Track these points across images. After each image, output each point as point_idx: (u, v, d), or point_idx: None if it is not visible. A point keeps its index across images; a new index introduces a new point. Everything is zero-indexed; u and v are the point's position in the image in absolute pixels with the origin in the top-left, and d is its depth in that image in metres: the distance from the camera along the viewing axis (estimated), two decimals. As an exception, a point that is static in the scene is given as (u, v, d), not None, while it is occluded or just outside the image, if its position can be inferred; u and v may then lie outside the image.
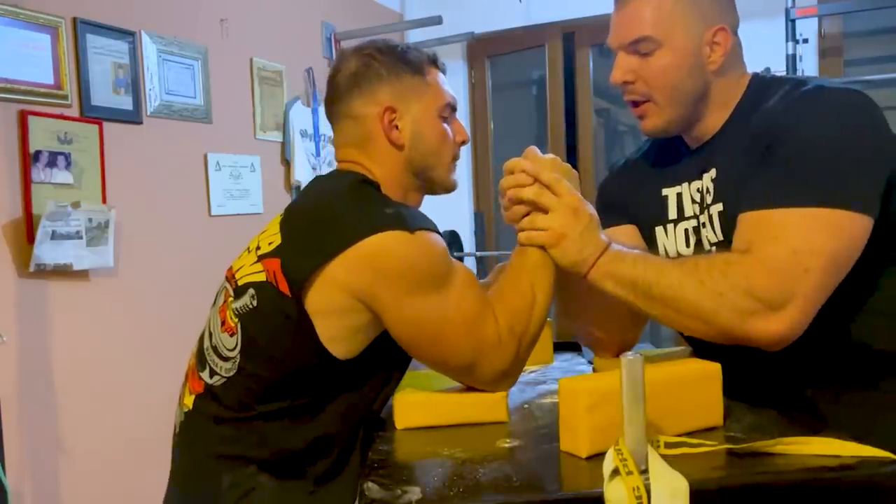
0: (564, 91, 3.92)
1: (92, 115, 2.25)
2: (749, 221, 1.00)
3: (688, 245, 1.18)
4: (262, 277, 1.07)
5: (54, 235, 2.07)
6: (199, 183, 2.70)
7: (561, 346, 1.61)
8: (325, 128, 3.00)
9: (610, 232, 1.09)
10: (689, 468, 0.76)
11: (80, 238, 2.14)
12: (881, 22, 3.34)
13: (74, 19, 2.22)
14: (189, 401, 1.16)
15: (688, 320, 1.01)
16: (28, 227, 2.05)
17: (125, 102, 2.39)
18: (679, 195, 1.20)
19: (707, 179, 1.13)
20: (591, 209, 1.08)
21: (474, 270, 3.68)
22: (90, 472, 2.22)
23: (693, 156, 1.19)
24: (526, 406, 1.16)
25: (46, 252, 2.06)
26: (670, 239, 1.21)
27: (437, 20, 3.35)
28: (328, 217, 1.07)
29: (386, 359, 1.11)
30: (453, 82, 4.28)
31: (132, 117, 2.41)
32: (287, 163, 3.16)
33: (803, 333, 0.97)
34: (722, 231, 1.10)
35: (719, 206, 1.10)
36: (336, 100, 1.20)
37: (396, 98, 1.16)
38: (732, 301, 0.95)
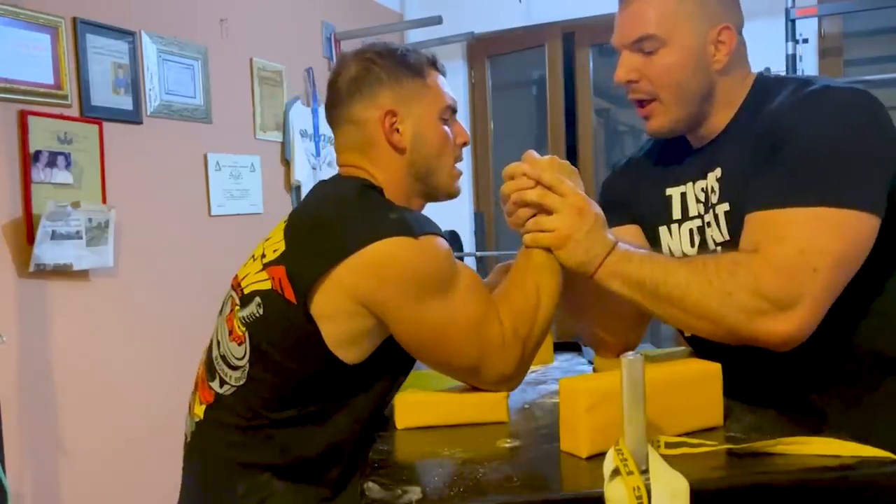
0: (564, 91, 3.92)
1: (92, 115, 2.25)
2: (756, 222, 1.00)
3: (692, 245, 1.18)
4: (267, 286, 1.07)
5: (54, 235, 2.07)
6: (199, 183, 2.70)
7: (561, 346, 1.61)
8: (325, 128, 3.00)
9: (613, 232, 1.08)
10: (689, 468, 0.76)
11: (80, 238, 2.14)
12: (881, 22, 3.34)
13: (74, 19, 2.22)
14: (199, 410, 1.16)
15: (695, 320, 1.00)
16: (28, 227, 2.05)
17: (125, 102, 2.39)
18: (683, 195, 1.19)
19: (712, 179, 1.13)
20: (597, 208, 1.07)
21: (474, 270, 3.68)
22: (90, 472, 2.22)
23: (697, 155, 1.18)
24: (526, 406, 1.16)
25: (46, 252, 2.06)
26: (674, 239, 1.21)
27: (437, 20, 3.35)
28: (332, 223, 1.07)
29: (394, 362, 1.11)
30: (453, 82, 4.29)
31: (132, 117, 2.41)
32: (287, 163, 3.16)
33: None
34: (728, 231, 1.09)
35: (725, 206, 1.10)
36: (337, 105, 1.20)
37: (397, 101, 1.16)
38: (740, 301, 0.95)
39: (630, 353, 0.76)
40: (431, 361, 1.10)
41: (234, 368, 1.10)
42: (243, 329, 1.09)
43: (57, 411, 2.14)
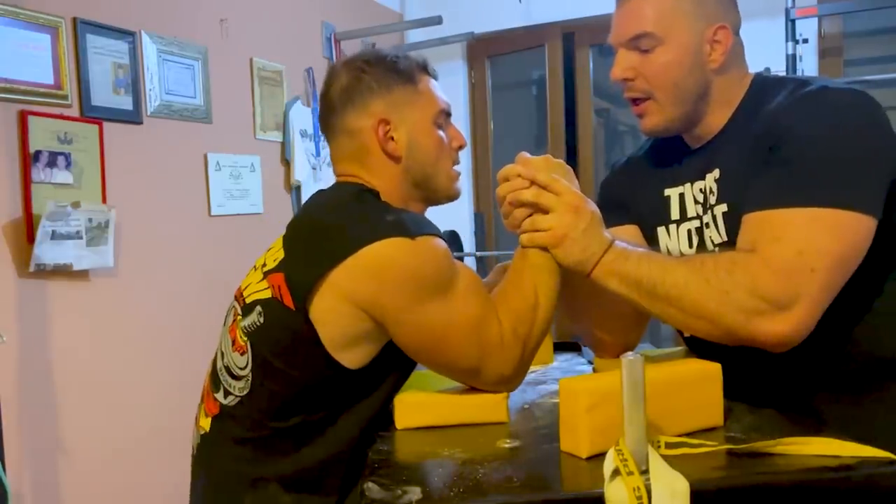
0: (564, 91, 3.92)
1: (92, 115, 2.25)
2: (753, 222, 1.00)
3: (691, 246, 1.18)
4: (267, 294, 1.07)
5: (54, 235, 2.07)
6: (199, 183, 2.70)
7: (561, 346, 1.61)
8: (325, 128, 3.00)
9: (612, 232, 1.08)
10: (689, 468, 0.76)
11: (80, 238, 2.14)
12: (881, 22, 3.34)
13: (74, 19, 2.22)
14: (206, 423, 1.16)
15: (692, 320, 1.00)
16: (28, 227, 2.05)
17: (125, 102, 2.39)
18: (682, 195, 1.19)
19: (710, 180, 1.13)
20: (593, 206, 1.07)
21: (474, 271, 3.67)
22: (90, 472, 2.22)
23: (695, 156, 1.18)
24: (526, 406, 1.16)
25: (46, 252, 2.06)
26: (673, 240, 1.21)
27: (437, 20, 3.35)
28: (328, 227, 1.07)
29: (395, 365, 1.11)
30: (453, 82, 4.26)
31: (132, 117, 2.41)
32: (287, 163, 3.16)
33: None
34: (726, 232, 1.09)
35: (723, 207, 1.10)
36: (330, 115, 1.20)
37: (389, 109, 1.16)
38: (738, 300, 0.95)
39: (630, 353, 0.76)
40: (431, 363, 1.09)
41: (238, 378, 1.10)
42: (245, 339, 1.09)
43: (57, 411, 2.14)
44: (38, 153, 2.08)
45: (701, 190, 1.16)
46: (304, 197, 3.19)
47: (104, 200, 2.26)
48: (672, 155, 1.23)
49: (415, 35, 3.86)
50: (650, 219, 1.24)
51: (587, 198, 1.08)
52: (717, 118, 1.15)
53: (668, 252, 1.21)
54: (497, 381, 1.08)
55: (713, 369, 0.97)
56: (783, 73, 2.98)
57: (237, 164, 2.86)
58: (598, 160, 3.96)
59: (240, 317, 1.12)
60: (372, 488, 0.82)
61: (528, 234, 1.08)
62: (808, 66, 3.19)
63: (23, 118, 2.05)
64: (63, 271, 2.13)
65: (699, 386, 0.96)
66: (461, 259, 3.76)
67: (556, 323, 1.31)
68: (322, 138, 3.31)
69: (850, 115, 1.00)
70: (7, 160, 2.03)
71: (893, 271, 1.05)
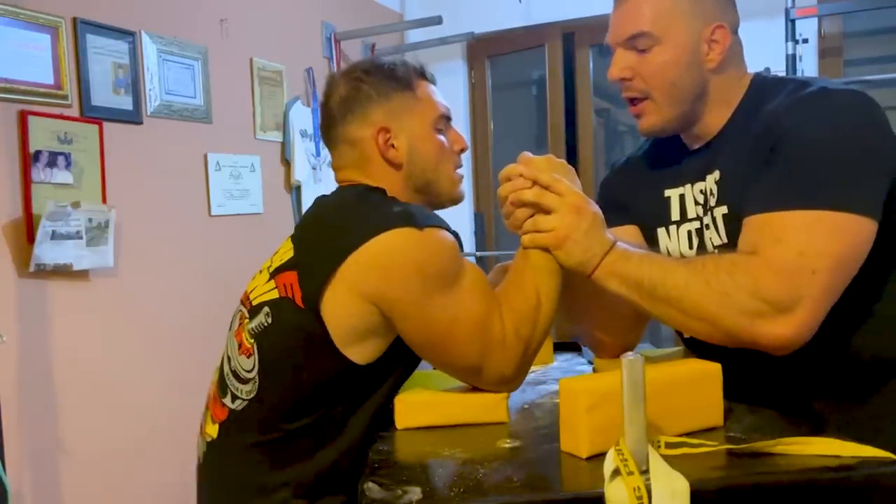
0: (564, 91, 3.92)
1: (92, 115, 2.25)
2: (754, 224, 1.00)
3: (691, 247, 1.18)
4: (275, 294, 1.08)
5: (54, 235, 2.07)
6: (199, 183, 2.70)
7: (561, 346, 1.61)
8: (325, 128, 3.00)
9: (612, 232, 1.08)
10: (689, 468, 0.76)
11: (80, 238, 2.14)
12: (881, 22, 3.33)
13: (74, 19, 2.22)
14: (212, 430, 1.15)
15: (693, 322, 1.00)
16: (28, 227, 2.05)
17: (125, 102, 2.39)
18: (682, 196, 1.19)
19: (710, 181, 1.13)
20: (595, 207, 1.07)
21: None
22: (90, 472, 2.22)
23: (695, 156, 1.18)
24: (526, 406, 1.16)
25: (46, 252, 2.05)
26: (673, 241, 1.21)
27: (437, 20, 3.34)
28: (337, 222, 1.08)
29: (402, 360, 1.11)
30: (453, 82, 4.25)
31: (132, 117, 2.41)
32: (287, 163, 3.16)
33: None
34: (727, 233, 1.09)
35: (723, 209, 1.10)
36: (330, 126, 1.21)
37: (389, 117, 1.17)
38: (739, 302, 0.95)
39: (630, 353, 0.76)
40: (433, 358, 1.10)
41: (245, 382, 1.10)
42: (251, 341, 1.09)
43: (57, 411, 2.14)
44: (38, 153, 2.08)
45: (701, 191, 1.15)
46: (305, 197, 3.19)
47: (104, 200, 2.26)
48: (672, 155, 1.23)
49: (415, 35, 3.86)
50: (650, 219, 1.24)
51: (589, 199, 1.07)
52: (715, 118, 1.14)
53: (669, 253, 1.21)
54: (498, 381, 1.08)
55: (713, 369, 0.97)
56: (783, 73, 2.98)
57: (237, 164, 2.86)
58: (598, 160, 3.95)
59: (246, 320, 1.12)
60: (372, 488, 0.82)
61: (529, 235, 1.08)
62: (808, 66, 3.19)
63: (23, 118, 2.05)
64: (63, 271, 2.13)
65: (699, 386, 0.96)
66: (461, 259, 3.75)
67: (556, 323, 1.31)
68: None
69: (849, 117, 0.99)
70: (7, 160, 2.03)
71: (894, 273, 1.05)
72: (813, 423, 0.95)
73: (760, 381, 1.07)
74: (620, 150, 4.37)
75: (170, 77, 2.56)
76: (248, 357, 1.10)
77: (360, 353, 1.05)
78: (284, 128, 3.14)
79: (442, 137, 1.21)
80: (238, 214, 2.86)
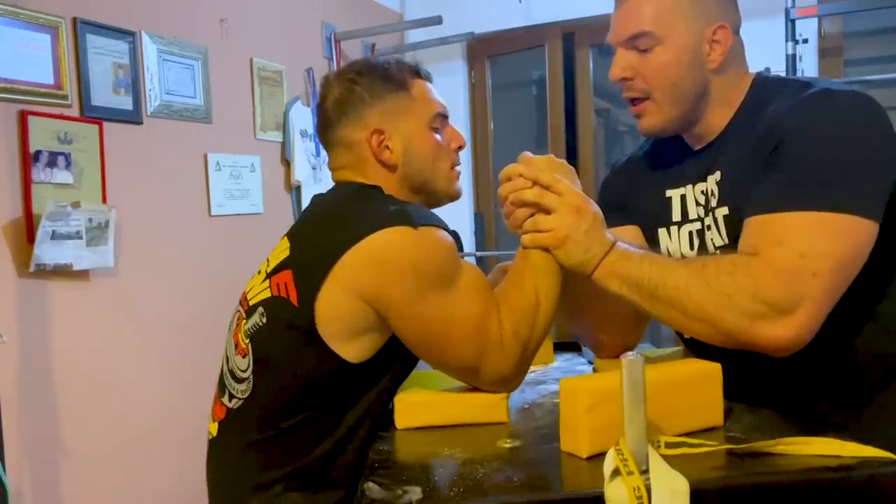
0: (564, 91, 3.92)
1: (92, 115, 2.25)
2: (755, 225, 0.99)
3: (692, 248, 1.18)
4: (268, 294, 1.08)
5: (54, 235, 2.07)
6: (199, 183, 2.70)
7: (561, 346, 1.61)
8: (325, 128, 2.99)
9: (613, 232, 1.08)
10: (689, 468, 0.76)
11: (80, 238, 2.14)
12: (881, 22, 3.33)
13: (74, 19, 2.22)
14: (213, 428, 1.17)
15: (693, 323, 0.99)
16: (28, 227, 2.05)
17: (125, 102, 2.39)
18: (683, 197, 1.19)
19: (712, 182, 1.13)
20: (595, 207, 1.07)
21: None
22: (90, 471, 2.22)
23: (697, 157, 1.18)
24: (526, 406, 1.16)
25: (46, 252, 2.05)
26: (674, 241, 1.20)
27: (437, 20, 3.34)
28: (332, 221, 1.08)
29: (398, 358, 1.11)
30: (453, 82, 4.25)
31: (132, 117, 2.40)
32: (287, 163, 3.16)
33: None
34: (727, 234, 1.09)
35: (724, 210, 1.10)
36: (326, 128, 1.21)
37: (383, 119, 1.16)
38: (739, 304, 0.94)
39: (630, 353, 0.76)
40: (430, 358, 1.10)
41: (241, 381, 1.11)
42: (247, 341, 1.10)
43: (57, 411, 2.14)
44: (38, 153, 2.08)
45: (702, 192, 1.15)
46: (305, 197, 3.19)
47: (104, 200, 2.26)
48: (673, 155, 1.22)
49: (415, 35, 3.86)
50: (651, 220, 1.24)
51: (589, 199, 1.07)
52: (717, 118, 1.14)
53: (669, 254, 1.21)
54: (496, 381, 1.08)
55: (713, 369, 0.97)
56: (783, 74, 2.98)
57: (237, 164, 2.86)
58: (598, 160, 3.95)
59: (243, 320, 1.13)
60: (372, 488, 0.82)
61: (529, 235, 1.08)
62: (808, 66, 3.19)
63: (23, 118, 2.05)
64: (63, 271, 2.13)
65: (699, 386, 0.96)
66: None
67: (556, 323, 1.31)
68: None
69: (851, 118, 0.99)
70: (7, 160, 2.03)
71: (894, 275, 1.05)
72: (813, 423, 0.95)
73: (760, 382, 1.07)
74: (620, 150, 4.37)
75: (170, 77, 2.56)
76: (244, 357, 1.10)
77: (355, 351, 1.05)
78: (284, 128, 3.14)
79: (438, 136, 1.20)
80: (238, 214, 2.86)
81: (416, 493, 0.80)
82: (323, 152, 3.33)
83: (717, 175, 1.12)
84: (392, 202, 1.09)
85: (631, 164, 1.33)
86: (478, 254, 3.91)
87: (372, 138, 1.16)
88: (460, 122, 4.00)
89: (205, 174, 2.72)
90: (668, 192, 1.21)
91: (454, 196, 1.24)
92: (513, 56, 4.13)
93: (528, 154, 1.11)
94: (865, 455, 0.81)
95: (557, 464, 0.89)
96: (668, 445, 0.85)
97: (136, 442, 2.36)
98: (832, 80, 1.12)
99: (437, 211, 1.24)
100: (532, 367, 1.18)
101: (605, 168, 3.88)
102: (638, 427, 0.76)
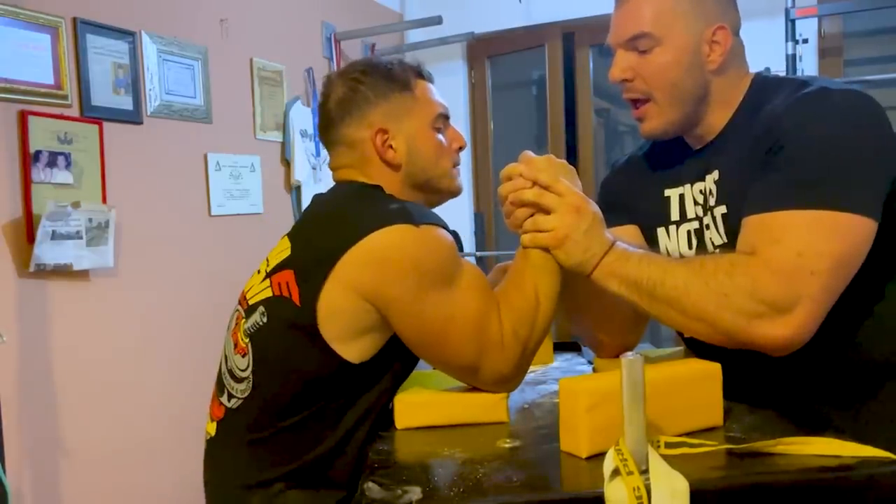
0: (564, 91, 3.92)
1: (92, 115, 2.25)
2: (753, 224, 0.99)
3: (690, 247, 1.18)
4: (269, 293, 1.08)
5: (54, 235, 2.07)
6: (199, 183, 2.70)
7: (561, 346, 1.61)
8: (325, 128, 2.99)
9: (612, 232, 1.08)
10: (689, 468, 0.76)
11: (80, 238, 2.14)
12: (881, 22, 3.33)
13: (74, 19, 2.22)
14: (211, 428, 1.17)
15: (692, 322, 0.99)
16: (28, 227, 2.05)
17: (125, 102, 2.39)
18: (682, 196, 1.19)
19: (710, 181, 1.13)
20: (595, 207, 1.07)
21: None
22: (90, 472, 2.22)
23: (695, 157, 1.18)
24: (526, 406, 1.16)
25: (46, 252, 2.05)
26: (672, 241, 1.21)
27: (437, 20, 3.34)
28: (334, 220, 1.08)
29: (399, 358, 1.11)
30: (453, 82, 4.25)
31: (132, 117, 2.40)
32: (287, 163, 3.16)
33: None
34: (726, 233, 1.09)
35: (723, 209, 1.10)
36: (328, 128, 1.21)
37: (387, 118, 1.17)
38: (737, 303, 0.94)
39: (630, 353, 0.76)
40: (430, 357, 1.10)
41: (240, 381, 1.11)
42: (246, 340, 1.10)
43: (57, 411, 2.14)
44: (38, 153, 2.08)
45: (701, 191, 1.15)
46: (305, 197, 3.19)
47: (104, 200, 2.26)
48: (673, 155, 1.23)
49: (415, 35, 3.86)
50: (650, 219, 1.24)
51: (589, 199, 1.07)
52: (717, 118, 1.14)
53: (668, 253, 1.21)
54: (496, 381, 1.08)
55: (713, 369, 0.97)
56: (783, 73, 2.98)
57: (237, 164, 2.86)
58: (598, 160, 3.95)
59: (243, 320, 1.13)
60: (372, 488, 0.82)
61: (529, 235, 1.08)
62: (808, 66, 3.19)
63: (23, 118, 2.05)
64: (63, 271, 2.13)
65: (699, 386, 0.96)
66: (461, 259, 3.75)
67: (556, 323, 1.32)
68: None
69: (850, 117, 0.99)
70: (7, 160, 2.03)
71: (893, 274, 1.05)
72: (813, 423, 0.95)
73: (760, 382, 1.07)
74: (620, 150, 4.37)
75: (170, 77, 2.56)
76: (244, 356, 1.10)
77: (356, 351, 1.05)
78: (284, 128, 3.14)
79: (440, 136, 1.21)
80: (238, 214, 2.86)
81: (416, 493, 0.80)
82: (323, 152, 3.35)
83: (716, 174, 1.12)
84: (393, 201, 1.09)
85: (630, 164, 1.33)
86: (478, 254, 3.91)
87: (376, 137, 1.16)
88: (460, 122, 4.00)
89: (205, 174, 2.72)
90: (667, 192, 1.21)
91: (456, 192, 1.25)
92: (513, 56, 4.13)
93: (529, 153, 1.11)
94: (865, 455, 0.81)
95: (557, 464, 0.89)
96: (668, 445, 0.85)
97: (136, 442, 2.36)
98: (831, 80, 1.12)
99: (437, 210, 1.24)
100: (532, 367, 1.18)
101: (605, 168, 3.88)
102: (638, 427, 0.76)
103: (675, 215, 1.20)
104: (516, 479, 0.84)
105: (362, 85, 1.17)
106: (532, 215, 1.08)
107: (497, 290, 1.12)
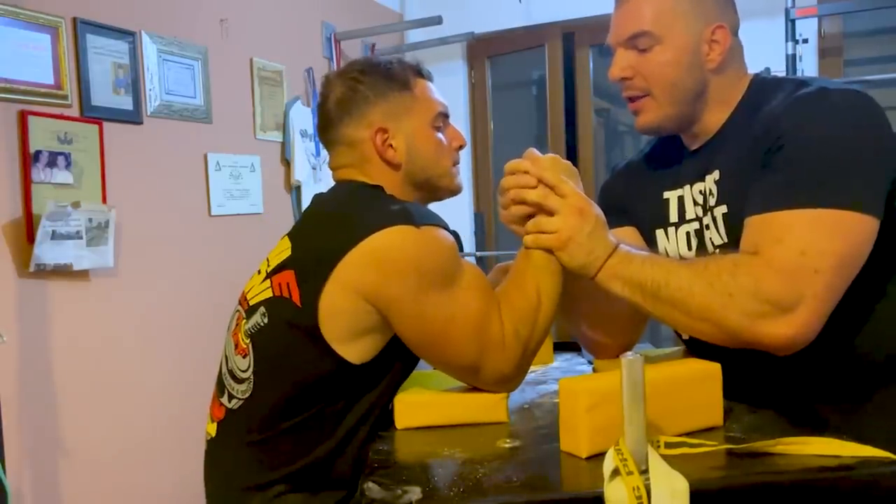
0: (564, 91, 3.92)
1: (92, 115, 2.25)
2: (755, 224, 1.00)
3: (689, 248, 1.18)
4: (270, 294, 1.08)
5: (54, 235, 2.07)
6: (199, 183, 2.70)
7: (561, 346, 1.61)
8: (325, 128, 2.99)
9: (611, 233, 1.08)
10: (689, 468, 0.76)
11: (80, 238, 2.14)
12: (881, 22, 3.33)
13: (74, 19, 2.22)
14: (212, 429, 1.17)
15: (696, 323, 1.00)
16: (28, 227, 2.05)
17: (125, 102, 2.39)
18: (680, 198, 1.19)
19: (710, 181, 1.13)
20: (598, 209, 1.07)
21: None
22: (90, 472, 2.22)
23: (694, 157, 1.18)
24: (526, 406, 1.16)
25: (46, 252, 2.05)
26: (671, 242, 1.21)
27: (437, 20, 3.34)
28: (334, 220, 1.08)
29: (399, 359, 1.11)
30: (453, 82, 4.26)
31: (132, 117, 2.40)
32: (287, 163, 3.16)
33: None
34: (727, 233, 1.09)
35: (723, 208, 1.10)
36: (328, 128, 1.21)
37: (386, 118, 1.17)
38: (741, 303, 0.94)
39: (630, 353, 0.76)
40: (431, 358, 1.10)
41: (241, 381, 1.11)
42: (247, 341, 1.10)
43: (57, 411, 2.14)
44: (38, 153, 2.08)
45: (700, 191, 1.15)
46: (305, 197, 3.19)
47: (104, 200, 2.26)
48: (671, 157, 1.23)
49: (415, 35, 3.86)
50: (648, 221, 1.24)
51: (592, 201, 1.08)
52: (714, 118, 1.15)
53: (667, 255, 1.21)
54: (496, 381, 1.08)
55: (713, 369, 0.97)
56: (783, 73, 2.98)
57: (237, 164, 2.86)
58: (598, 160, 3.95)
59: (244, 320, 1.13)
60: (372, 488, 0.82)
61: (532, 236, 1.09)
62: (808, 66, 3.19)
63: (23, 118, 2.05)
64: (63, 271, 2.13)
65: (699, 386, 0.96)
66: (461, 259, 3.74)
67: (556, 323, 1.31)
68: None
69: (849, 116, 0.99)
70: (7, 160, 2.03)
71: (894, 273, 1.05)
72: (813, 423, 0.95)
73: (760, 382, 1.07)
74: (620, 150, 4.37)
75: (170, 77, 2.56)
76: (244, 357, 1.10)
77: (357, 351, 1.05)
78: (284, 128, 3.14)
79: (440, 135, 1.21)
80: (238, 214, 2.86)
81: (415, 493, 0.80)
82: (323, 152, 3.34)
83: (716, 174, 1.12)
84: (394, 202, 1.09)
85: (630, 167, 1.34)
86: (478, 254, 3.91)
87: (376, 137, 1.16)
88: (460, 121, 4.00)
89: (205, 174, 2.72)
90: (666, 194, 1.22)
91: (456, 191, 1.25)
92: (513, 56, 4.13)
93: (535, 151, 1.12)
94: (865, 455, 0.81)
95: (557, 464, 0.89)
96: (668, 445, 0.85)
97: (136, 442, 2.35)
98: (830, 80, 1.12)
99: (437, 210, 1.24)
100: (532, 367, 1.18)
101: (606, 168, 3.89)
102: (637, 427, 0.76)
103: (673, 217, 1.21)
104: (516, 479, 0.84)
105: (361, 84, 1.17)
106: (533, 215, 1.08)
107: (498, 290, 1.12)
